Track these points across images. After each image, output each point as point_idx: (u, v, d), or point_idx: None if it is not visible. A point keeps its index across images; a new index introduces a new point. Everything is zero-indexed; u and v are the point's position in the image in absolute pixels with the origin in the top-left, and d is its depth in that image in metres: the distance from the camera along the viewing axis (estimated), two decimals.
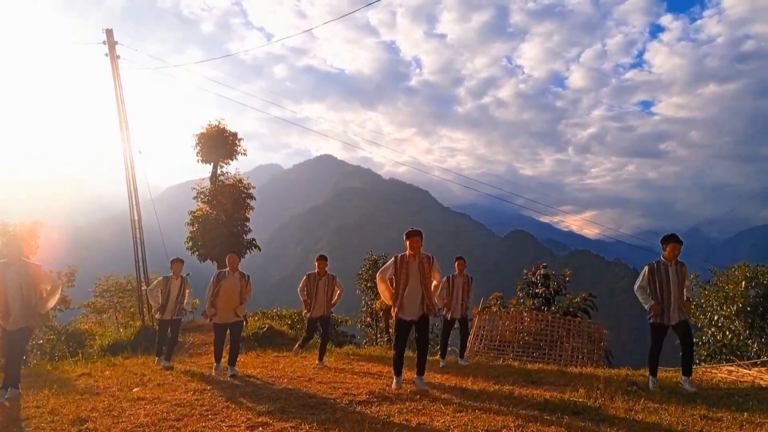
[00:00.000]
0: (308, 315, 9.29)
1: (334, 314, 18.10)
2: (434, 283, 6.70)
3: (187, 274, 9.68)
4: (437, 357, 9.88)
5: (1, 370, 6.54)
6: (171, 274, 9.35)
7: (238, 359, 8.47)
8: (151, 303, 9.19)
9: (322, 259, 9.45)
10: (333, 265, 9.79)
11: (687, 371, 6.76)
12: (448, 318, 9.39)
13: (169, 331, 9.45)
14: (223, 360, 8.32)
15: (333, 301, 9.38)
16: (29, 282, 6.25)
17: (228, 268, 8.26)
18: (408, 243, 6.51)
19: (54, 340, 15.19)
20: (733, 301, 14.79)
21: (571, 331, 12.61)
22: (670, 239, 6.65)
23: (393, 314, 6.63)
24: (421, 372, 6.70)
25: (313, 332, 9.78)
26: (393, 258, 6.62)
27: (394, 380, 6.65)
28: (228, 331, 8.26)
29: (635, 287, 6.91)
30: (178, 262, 9.46)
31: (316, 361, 9.21)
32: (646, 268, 6.72)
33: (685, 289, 6.65)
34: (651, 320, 6.69)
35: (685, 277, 6.67)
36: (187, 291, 9.49)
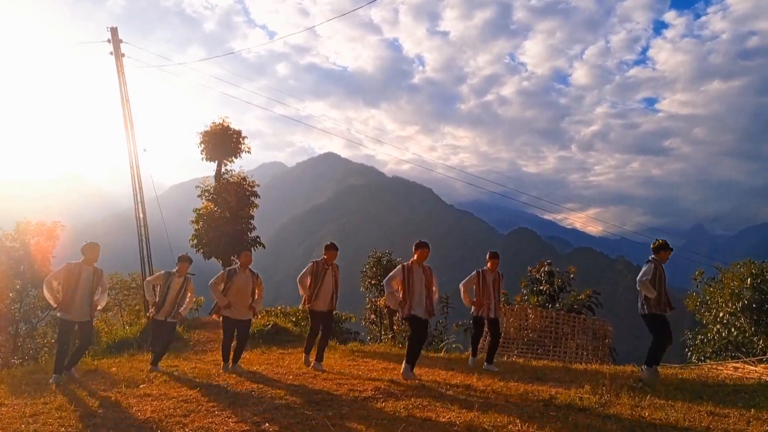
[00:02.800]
0: (308, 307, 8.25)
1: (338, 311, 18.11)
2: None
3: (192, 275, 9.02)
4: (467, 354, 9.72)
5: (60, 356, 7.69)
6: (175, 270, 8.49)
7: (242, 356, 8.48)
8: (146, 297, 8.72)
9: (333, 248, 8.29)
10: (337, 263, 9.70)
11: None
12: (479, 315, 8.64)
13: (164, 333, 8.55)
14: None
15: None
16: (95, 283, 7.56)
17: (239, 265, 8.12)
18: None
19: None
20: (738, 297, 14.75)
21: (575, 328, 12.61)
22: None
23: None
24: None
25: (318, 328, 8.43)
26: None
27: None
28: (235, 329, 8.03)
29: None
30: (186, 261, 8.50)
31: (312, 361, 8.33)
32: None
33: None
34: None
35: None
36: (188, 294, 8.50)
